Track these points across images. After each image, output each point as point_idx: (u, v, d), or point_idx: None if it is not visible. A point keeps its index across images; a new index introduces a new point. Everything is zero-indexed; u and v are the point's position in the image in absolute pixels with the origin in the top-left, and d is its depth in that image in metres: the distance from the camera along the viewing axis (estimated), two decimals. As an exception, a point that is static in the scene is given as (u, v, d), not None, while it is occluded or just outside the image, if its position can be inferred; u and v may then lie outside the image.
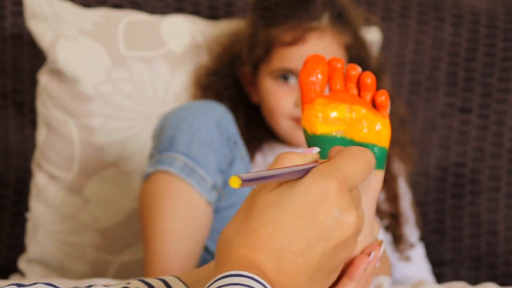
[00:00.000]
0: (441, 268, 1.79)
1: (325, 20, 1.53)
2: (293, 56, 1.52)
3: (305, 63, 0.82)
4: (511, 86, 1.80)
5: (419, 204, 1.74)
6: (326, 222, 0.67)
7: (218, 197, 1.27)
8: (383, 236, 1.60)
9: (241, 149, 1.31)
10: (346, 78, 0.83)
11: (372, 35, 1.73)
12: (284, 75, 1.53)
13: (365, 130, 0.81)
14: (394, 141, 1.61)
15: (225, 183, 1.29)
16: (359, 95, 0.83)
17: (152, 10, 1.77)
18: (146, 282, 0.77)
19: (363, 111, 0.81)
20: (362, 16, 1.65)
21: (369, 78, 0.81)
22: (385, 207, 1.62)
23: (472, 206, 1.78)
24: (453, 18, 1.81)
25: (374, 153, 0.81)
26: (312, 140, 0.83)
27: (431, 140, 1.80)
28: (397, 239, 1.62)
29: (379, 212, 1.61)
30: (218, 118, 1.27)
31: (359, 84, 0.82)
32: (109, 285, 0.78)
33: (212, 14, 1.79)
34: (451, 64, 1.80)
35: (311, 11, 1.53)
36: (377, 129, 0.81)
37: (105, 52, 1.64)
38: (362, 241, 0.81)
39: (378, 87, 0.84)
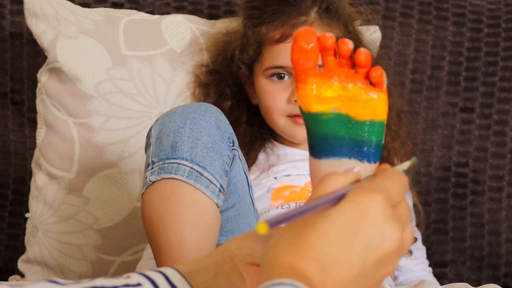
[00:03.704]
0: (443, 268, 1.78)
1: (312, 14, 1.53)
2: (283, 53, 1.51)
3: (295, 40, 0.82)
4: (513, 85, 1.80)
5: (421, 204, 1.73)
6: (370, 232, 0.67)
7: (224, 199, 1.26)
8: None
9: (238, 148, 1.31)
10: (338, 53, 0.82)
11: (373, 33, 1.72)
12: (277, 73, 1.52)
13: (360, 107, 0.81)
14: (392, 134, 1.61)
15: (228, 185, 1.28)
16: (355, 70, 0.82)
17: (153, 9, 1.76)
18: (146, 276, 0.77)
19: (358, 86, 0.81)
20: (357, 11, 1.65)
21: (364, 54, 0.81)
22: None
23: (474, 207, 1.78)
24: (455, 17, 1.81)
25: (377, 128, 0.82)
26: (307, 118, 0.84)
27: (433, 140, 1.79)
28: None
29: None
30: (216, 119, 1.26)
31: (353, 60, 0.82)
32: (110, 279, 0.77)
33: (212, 13, 1.79)
34: (453, 63, 1.80)
35: (299, 7, 1.53)
36: (372, 104, 0.81)
37: (106, 51, 1.63)
38: None
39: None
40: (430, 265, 1.69)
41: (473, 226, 1.78)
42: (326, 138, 0.84)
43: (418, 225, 1.69)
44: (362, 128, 0.82)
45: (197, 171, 1.20)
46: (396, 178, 0.72)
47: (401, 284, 1.61)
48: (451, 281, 1.76)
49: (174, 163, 1.21)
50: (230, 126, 1.29)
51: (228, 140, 1.26)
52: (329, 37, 0.81)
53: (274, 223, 0.64)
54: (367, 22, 1.71)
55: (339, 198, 0.69)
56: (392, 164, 1.62)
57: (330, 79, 0.82)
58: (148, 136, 1.28)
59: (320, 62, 0.86)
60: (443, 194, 1.79)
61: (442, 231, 1.79)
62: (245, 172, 1.32)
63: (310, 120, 0.84)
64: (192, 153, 1.21)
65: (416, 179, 1.76)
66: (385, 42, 1.78)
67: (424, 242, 1.72)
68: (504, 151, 1.78)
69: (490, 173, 1.78)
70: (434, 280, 1.66)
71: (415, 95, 1.80)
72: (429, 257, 1.72)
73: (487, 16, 1.81)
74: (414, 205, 1.68)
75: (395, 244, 0.68)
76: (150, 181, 1.22)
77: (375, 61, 1.65)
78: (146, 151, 1.29)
